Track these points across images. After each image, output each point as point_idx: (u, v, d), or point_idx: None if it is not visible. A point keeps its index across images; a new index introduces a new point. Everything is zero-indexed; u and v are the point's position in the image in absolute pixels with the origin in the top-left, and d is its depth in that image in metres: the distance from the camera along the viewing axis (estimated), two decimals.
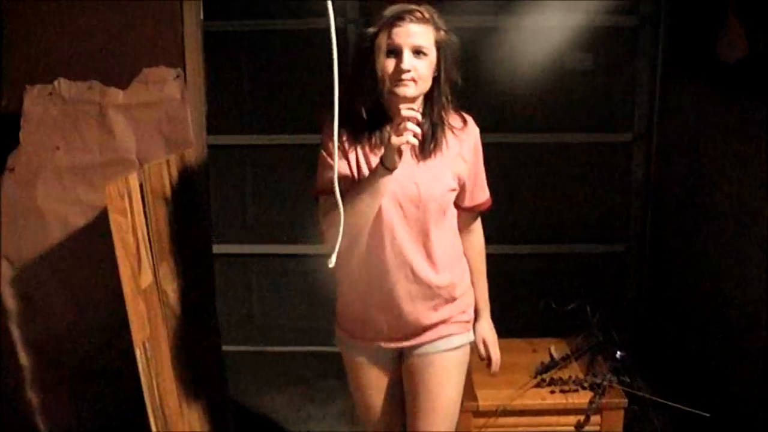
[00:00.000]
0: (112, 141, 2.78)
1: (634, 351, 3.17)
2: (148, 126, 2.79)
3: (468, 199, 2.29)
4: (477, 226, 2.41)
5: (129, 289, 2.30)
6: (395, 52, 2.02)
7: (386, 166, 1.97)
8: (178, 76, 2.79)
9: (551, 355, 2.98)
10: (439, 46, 2.07)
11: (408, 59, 2.01)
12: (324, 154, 2.15)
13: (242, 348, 3.85)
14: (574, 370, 2.88)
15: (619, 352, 2.98)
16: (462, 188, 2.24)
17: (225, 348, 3.14)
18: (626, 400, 2.73)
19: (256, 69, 3.75)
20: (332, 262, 1.90)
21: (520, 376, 2.85)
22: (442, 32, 2.09)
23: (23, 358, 2.90)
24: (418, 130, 1.93)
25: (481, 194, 2.32)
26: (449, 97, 2.14)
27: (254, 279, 3.93)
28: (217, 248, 3.17)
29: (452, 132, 2.18)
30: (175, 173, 2.67)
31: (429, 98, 2.12)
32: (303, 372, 3.84)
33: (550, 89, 3.66)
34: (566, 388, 2.78)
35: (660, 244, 3.75)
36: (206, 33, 2.87)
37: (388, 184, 2.01)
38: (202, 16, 2.82)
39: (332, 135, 1.95)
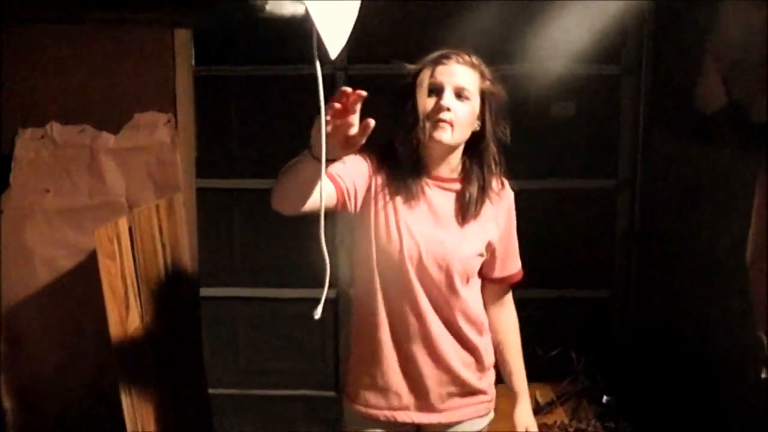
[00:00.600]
0: (101, 184, 2.81)
1: (619, 396, 3.18)
2: (138, 170, 2.83)
3: (498, 269, 2.12)
4: (509, 300, 2.22)
5: (116, 333, 2.31)
6: (436, 91, 1.91)
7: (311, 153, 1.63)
8: (169, 121, 2.83)
9: (536, 401, 2.99)
10: (484, 95, 1.95)
11: (449, 98, 1.90)
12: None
13: (228, 391, 3.82)
14: (560, 416, 2.89)
15: (605, 397, 3.00)
16: (492, 256, 2.09)
17: (211, 391, 3.13)
18: None
19: (245, 113, 3.78)
20: (318, 314, 1.63)
21: (506, 423, 2.85)
22: (488, 82, 1.96)
23: (6, 401, 2.89)
24: (353, 123, 1.55)
25: (513, 264, 2.15)
26: (497, 159, 2.00)
27: (240, 322, 3.92)
28: (203, 291, 3.18)
29: (494, 194, 2.04)
30: (164, 217, 2.70)
31: (474, 156, 1.99)
32: (290, 415, 3.82)
33: (533, 136, 3.71)
34: None
35: (644, 291, 3.77)
36: (196, 78, 2.91)
37: (316, 175, 1.61)
38: (193, 62, 2.87)
39: (364, 155, 1.91)
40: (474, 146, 1.98)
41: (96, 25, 2.77)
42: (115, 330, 2.30)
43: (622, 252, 3.85)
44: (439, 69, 1.92)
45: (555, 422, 2.81)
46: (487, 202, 2.02)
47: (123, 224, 2.41)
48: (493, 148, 1.98)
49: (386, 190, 1.96)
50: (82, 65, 2.82)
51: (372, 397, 2.06)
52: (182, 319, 2.79)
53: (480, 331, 2.10)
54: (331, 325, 3.84)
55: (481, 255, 2.05)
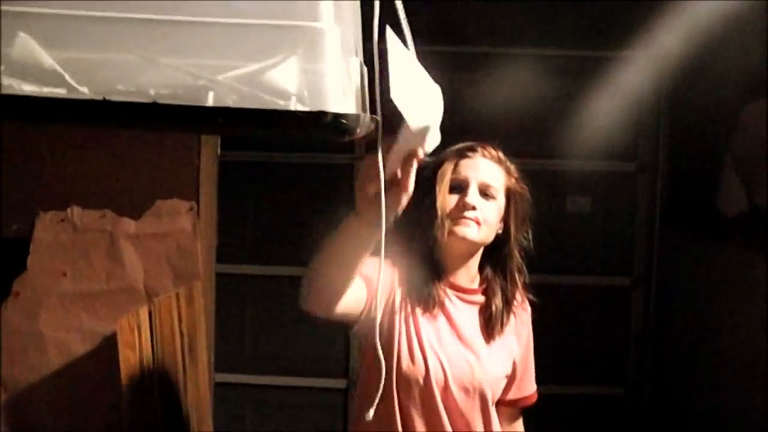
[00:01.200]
0: (120, 270, 2.78)
1: None
2: (158, 257, 2.80)
3: (515, 390, 1.89)
4: (520, 424, 1.98)
5: (133, 425, 2.26)
6: (460, 188, 1.74)
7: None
8: (191, 209, 2.82)
9: None
10: (510, 194, 1.78)
11: (473, 195, 1.72)
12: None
13: None
14: None
15: None
16: (511, 376, 1.86)
17: None
18: None
19: (264, 199, 3.80)
20: (370, 416, 1.41)
21: None
22: (514, 180, 1.80)
23: None
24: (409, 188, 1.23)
25: (529, 385, 1.92)
26: (521, 267, 1.83)
27: (249, 409, 3.86)
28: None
29: (514, 309, 1.85)
30: (183, 306, 2.67)
31: (496, 264, 1.82)
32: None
33: (548, 232, 3.72)
34: None
35: (659, 390, 3.73)
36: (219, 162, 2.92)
37: (369, 238, 1.34)
38: (219, 151, 2.89)
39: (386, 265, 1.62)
40: (495, 252, 1.80)
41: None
42: (131, 420, 2.25)
43: (637, 349, 3.83)
44: (464, 162, 1.75)
45: None
46: (511, 316, 1.83)
47: (144, 314, 2.38)
48: (516, 255, 1.81)
49: (407, 301, 1.74)
50: (104, 149, 2.82)
51: None
52: (196, 411, 2.74)
53: None
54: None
55: (508, 376, 1.84)
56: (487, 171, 1.75)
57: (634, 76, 3.48)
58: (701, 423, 3.22)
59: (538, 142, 3.66)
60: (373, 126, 1.03)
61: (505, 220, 1.78)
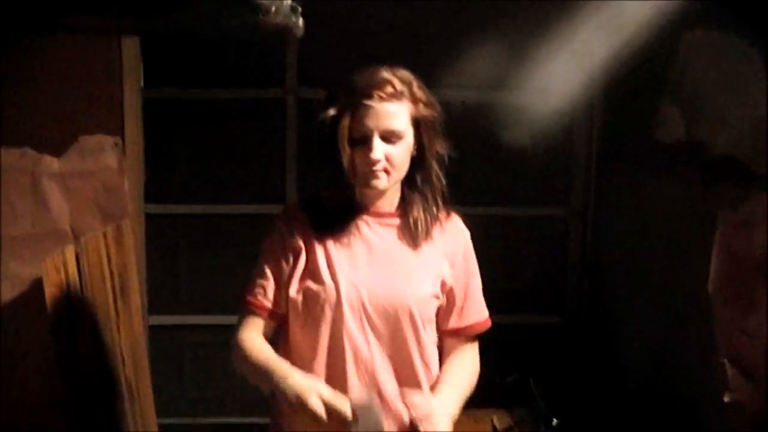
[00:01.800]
0: (45, 212, 2.68)
1: (574, 423, 3.16)
2: (84, 196, 2.70)
3: (455, 319, 1.84)
4: (471, 353, 1.90)
5: (63, 364, 2.19)
6: (362, 140, 1.67)
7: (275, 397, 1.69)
8: (116, 145, 2.72)
9: (494, 427, 2.95)
10: (418, 122, 1.71)
11: (378, 147, 1.66)
12: (264, 255, 1.79)
13: (175, 421, 3.69)
14: None
15: (554, 420, 2.96)
16: (449, 301, 1.82)
17: (158, 421, 3.01)
18: None
19: (194, 137, 3.68)
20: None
21: None
22: (421, 105, 1.71)
23: None
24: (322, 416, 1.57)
25: (474, 312, 1.86)
26: (440, 179, 1.79)
27: (186, 350, 3.80)
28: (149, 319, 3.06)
29: (440, 226, 1.81)
30: (112, 246, 2.58)
31: (413, 183, 1.79)
32: None
33: (486, 163, 3.70)
34: None
35: (595, 319, 3.78)
36: (145, 100, 2.81)
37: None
38: (142, 83, 2.77)
39: (282, 233, 1.74)
40: (412, 171, 1.77)
41: (35, 36, 2.59)
42: (62, 361, 2.18)
43: (574, 279, 3.86)
44: (361, 113, 1.65)
45: None
46: (437, 234, 1.80)
47: (70, 253, 2.30)
48: (433, 168, 1.77)
49: (315, 240, 1.74)
50: (21, 82, 2.67)
51: None
52: (129, 350, 2.67)
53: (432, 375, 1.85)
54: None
55: (436, 297, 1.79)
56: (386, 117, 1.67)
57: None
58: (637, 352, 3.28)
59: (472, 74, 3.61)
60: (292, 17, 0.99)
61: (418, 144, 1.74)
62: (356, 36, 3.58)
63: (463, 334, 1.86)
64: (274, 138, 3.67)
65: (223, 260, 3.72)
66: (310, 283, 1.72)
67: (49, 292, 2.15)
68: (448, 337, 1.86)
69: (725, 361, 2.41)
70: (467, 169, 3.66)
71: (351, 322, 1.71)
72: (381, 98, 1.65)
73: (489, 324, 1.91)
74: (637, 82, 3.28)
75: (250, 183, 3.70)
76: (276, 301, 1.77)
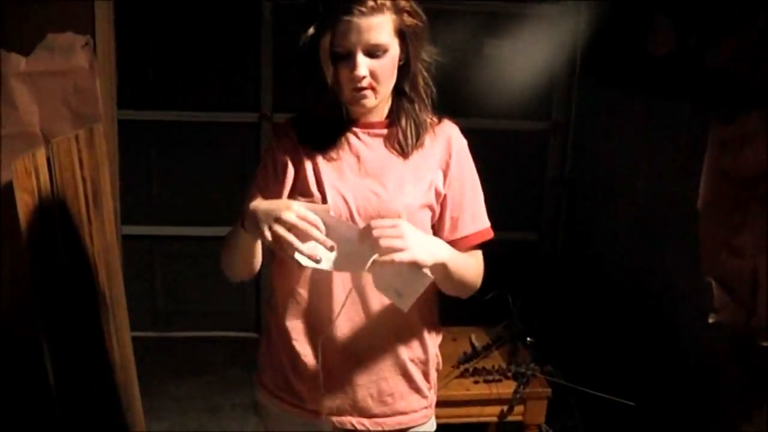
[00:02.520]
0: (13, 113, 2.53)
1: (548, 338, 3.18)
2: (54, 97, 2.56)
3: (449, 229, 1.73)
4: (470, 255, 1.74)
5: (35, 272, 2.11)
6: (345, 56, 1.58)
7: (243, 225, 1.57)
8: (87, 44, 2.57)
9: (472, 345, 2.94)
10: (403, 33, 1.62)
11: (362, 64, 1.57)
12: (256, 175, 1.74)
13: (146, 334, 3.65)
14: (497, 360, 2.85)
15: (528, 338, 2.97)
16: (443, 211, 1.73)
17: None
18: (550, 390, 2.72)
19: (165, 41, 3.53)
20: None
21: (443, 367, 2.78)
22: (405, 15, 1.61)
23: None
24: (301, 248, 1.47)
25: (472, 222, 1.74)
26: (428, 82, 1.69)
27: (158, 262, 3.73)
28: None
29: (432, 133, 1.72)
30: (84, 150, 2.47)
31: (401, 92, 1.70)
32: (210, 359, 3.68)
33: (465, 74, 3.62)
34: (490, 378, 2.74)
35: (571, 235, 3.77)
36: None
37: (252, 243, 1.62)
38: None
39: (272, 151, 1.68)
40: (401, 80, 1.67)
41: None
42: (36, 269, 2.10)
43: (552, 195, 3.84)
44: (342, 29, 1.55)
45: (493, 366, 2.76)
46: (428, 142, 1.70)
47: (41, 156, 2.18)
48: (421, 77, 1.68)
49: (304, 156, 1.68)
50: None
51: (284, 389, 1.77)
52: (103, 260, 2.59)
53: (431, 313, 1.80)
54: None
55: (429, 207, 1.70)
56: (369, 31, 1.56)
57: None
58: (616, 269, 3.28)
59: None
60: None
61: (405, 53, 1.64)
62: None
63: (461, 246, 1.72)
64: (249, 44, 3.54)
65: (195, 170, 3.64)
66: (299, 198, 1.65)
67: (21, 198, 2.05)
68: None
69: (711, 280, 2.40)
70: (448, 80, 3.57)
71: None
72: (362, 12, 1.55)
73: (490, 234, 1.77)
74: None
75: (223, 91, 3.60)
76: None
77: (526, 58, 3.66)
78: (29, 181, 2.10)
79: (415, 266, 1.53)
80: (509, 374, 2.75)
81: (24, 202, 2.07)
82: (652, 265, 2.97)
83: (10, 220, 2.09)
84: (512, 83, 3.70)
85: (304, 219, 1.48)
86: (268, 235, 1.48)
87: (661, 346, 2.86)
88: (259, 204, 1.53)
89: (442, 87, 1.70)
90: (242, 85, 3.59)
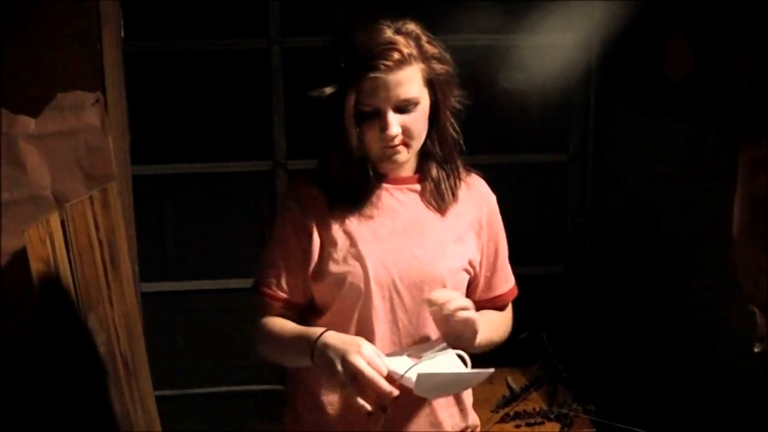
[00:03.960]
0: (23, 176, 2.44)
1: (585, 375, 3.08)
2: (65, 158, 2.48)
3: (483, 289, 1.69)
4: (501, 313, 1.75)
5: (54, 349, 2.01)
6: (374, 114, 1.49)
7: (313, 359, 1.44)
8: (97, 101, 2.50)
9: (510, 387, 2.84)
10: (432, 83, 1.53)
11: (393, 122, 1.48)
12: (274, 240, 1.62)
13: (167, 393, 3.53)
14: (537, 402, 2.75)
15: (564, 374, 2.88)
16: (475, 272, 1.66)
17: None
18: (594, 430, 2.62)
19: (173, 92, 3.47)
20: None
21: (481, 411, 2.67)
22: (434, 62, 1.53)
23: None
24: (385, 386, 1.35)
25: (503, 281, 1.72)
26: (457, 130, 1.62)
27: (176, 318, 3.63)
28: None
29: (466, 188, 1.66)
30: (99, 211, 2.38)
31: (431, 142, 1.61)
32: (235, 413, 3.57)
33: (482, 110, 3.54)
34: (532, 420, 2.64)
35: (597, 267, 3.68)
36: (126, 54, 2.59)
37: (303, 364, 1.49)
38: (122, 34, 2.55)
39: (292, 213, 1.57)
40: (429, 130, 1.59)
41: None
42: (52, 344, 2.00)
43: (575, 227, 3.75)
44: (367, 89, 1.46)
45: (534, 409, 2.66)
46: (463, 198, 1.64)
47: (55, 222, 2.10)
48: (449, 126, 1.61)
49: (332, 218, 1.57)
50: None
51: None
52: (123, 324, 2.49)
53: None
54: None
55: (467, 270, 1.64)
56: (397, 87, 1.47)
57: None
58: (643, 299, 3.19)
59: (469, 18, 3.44)
60: None
61: (433, 104, 1.56)
62: None
63: (495, 303, 1.72)
64: (259, 90, 3.48)
65: (211, 221, 3.56)
66: (333, 266, 1.55)
67: (35, 267, 1.96)
68: (479, 309, 1.65)
69: (754, 308, 2.30)
70: (463, 116, 3.51)
71: (379, 305, 1.55)
72: (389, 68, 1.45)
73: (516, 292, 1.77)
74: (636, 20, 3.14)
75: (236, 140, 3.53)
76: (291, 289, 1.59)
77: (542, 90, 3.58)
78: (44, 248, 2.02)
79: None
80: (552, 416, 2.65)
81: (38, 272, 1.98)
82: (685, 295, 2.87)
83: (21, 290, 2.00)
84: (528, 116, 3.63)
85: (371, 364, 1.36)
86: (346, 373, 1.35)
87: (702, 377, 2.75)
88: (328, 340, 1.41)
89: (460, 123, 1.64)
90: (254, 133, 3.52)
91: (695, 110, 2.74)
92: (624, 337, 3.40)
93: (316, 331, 1.46)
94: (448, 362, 1.47)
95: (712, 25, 2.62)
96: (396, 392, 1.36)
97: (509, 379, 2.88)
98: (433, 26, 3.37)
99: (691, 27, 2.75)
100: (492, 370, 1.43)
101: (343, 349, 1.37)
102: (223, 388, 3.66)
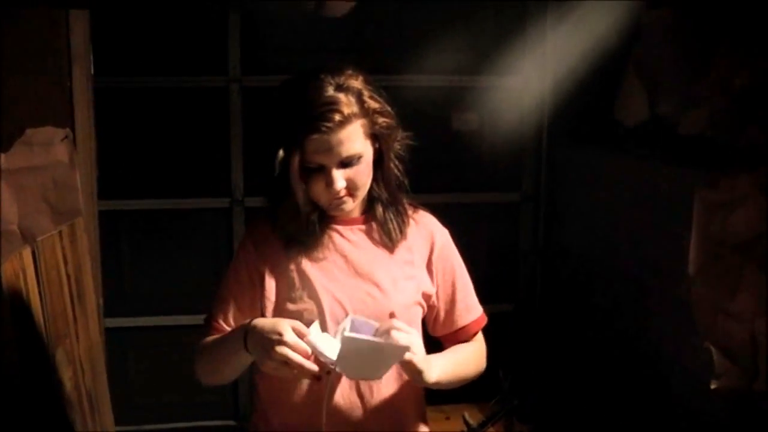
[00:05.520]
0: None
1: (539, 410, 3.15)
2: (32, 193, 2.47)
3: (444, 323, 1.73)
4: (469, 345, 1.78)
5: (28, 384, 2.01)
6: (318, 169, 1.53)
7: (247, 348, 1.50)
8: (66, 137, 2.51)
9: (467, 423, 2.88)
10: (375, 136, 1.57)
11: (338, 178, 1.52)
12: (228, 276, 1.68)
13: (124, 429, 3.49)
14: None
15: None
16: (432, 307, 1.71)
17: None
18: None
19: (142, 128, 3.48)
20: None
21: None
22: (376, 116, 1.55)
23: None
24: (312, 367, 1.43)
25: (464, 314, 1.74)
26: (400, 171, 1.65)
27: (132, 353, 3.60)
28: None
29: (414, 224, 1.70)
30: (68, 246, 2.39)
31: (376, 183, 1.65)
32: None
33: (435, 149, 3.63)
34: None
35: (548, 305, 3.77)
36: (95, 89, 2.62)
37: (250, 359, 1.54)
38: (92, 71, 2.57)
39: (248, 254, 1.63)
40: (374, 174, 1.63)
41: None
42: (26, 378, 2.00)
43: (526, 266, 3.84)
44: (311, 149, 1.50)
45: None
46: (409, 231, 1.67)
47: (27, 256, 2.10)
48: (393, 168, 1.64)
49: (286, 257, 1.62)
50: None
51: None
52: (88, 358, 2.49)
53: (418, 403, 1.76)
54: None
55: (420, 304, 1.67)
56: (339, 145, 1.50)
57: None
58: (596, 336, 3.28)
59: (421, 60, 3.54)
60: None
61: (377, 152, 1.60)
62: (301, 22, 3.46)
63: (460, 337, 1.75)
64: (218, 128, 3.52)
65: (167, 258, 3.55)
66: (289, 305, 1.60)
67: (10, 300, 1.96)
68: (445, 343, 1.75)
69: (710, 346, 2.40)
70: (416, 156, 3.59)
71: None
72: (329, 129, 1.48)
73: (485, 320, 1.80)
74: (589, 63, 3.27)
75: (194, 177, 3.55)
76: (237, 324, 1.62)
77: (494, 130, 3.70)
78: (17, 282, 2.02)
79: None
80: None
81: (12, 304, 1.98)
82: (638, 332, 2.96)
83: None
84: (481, 156, 3.74)
85: (295, 348, 1.42)
86: (274, 361, 1.42)
87: (657, 413, 2.84)
88: (258, 324, 1.48)
89: (410, 162, 1.70)
90: (212, 170, 3.55)
91: (647, 152, 2.86)
92: (579, 373, 3.49)
93: (245, 324, 1.52)
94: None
95: (667, 70, 2.74)
96: (318, 372, 1.44)
97: (466, 414, 2.92)
98: (386, 66, 3.47)
99: (646, 72, 2.87)
100: (408, 347, 1.46)
101: (269, 338, 1.43)
102: (180, 424, 3.63)
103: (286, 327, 1.44)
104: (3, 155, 2.45)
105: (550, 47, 3.58)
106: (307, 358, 1.43)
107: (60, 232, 2.35)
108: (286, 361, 1.41)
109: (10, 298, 1.98)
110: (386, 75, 3.44)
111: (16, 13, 2.41)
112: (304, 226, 1.59)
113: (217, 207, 3.58)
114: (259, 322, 1.48)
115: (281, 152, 1.52)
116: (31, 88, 2.46)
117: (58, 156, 2.48)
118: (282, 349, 1.41)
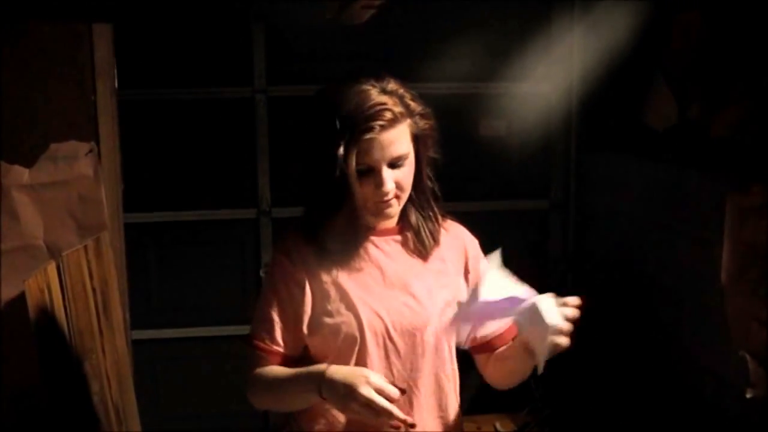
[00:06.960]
0: (16, 226, 2.45)
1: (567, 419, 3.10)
2: (58, 208, 2.49)
3: (480, 332, 1.69)
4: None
5: (53, 397, 2.00)
6: (368, 171, 1.54)
7: (321, 394, 1.48)
8: (91, 151, 2.52)
9: None
10: (417, 138, 1.60)
11: (389, 179, 1.54)
12: (266, 294, 1.65)
13: None
14: None
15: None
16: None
17: None
18: None
19: (168, 139, 3.49)
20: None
21: None
22: (418, 118, 1.59)
23: None
24: (400, 415, 1.42)
25: (495, 324, 1.69)
26: (432, 179, 1.67)
27: (160, 365, 3.61)
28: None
29: (445, 230, 1.71)
30: (93, 260, 2.39)
31: (413, 192, 1.65)
32: None
33: (463, 158, 3.60)
34: None
35: (580, 312, 3.71)
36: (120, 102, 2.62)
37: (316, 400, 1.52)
38: (116, 85, 2.58)
39: (284, 268, 1.60)
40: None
41: None
42: (51, 391, 2.00)
43: (556, 274, 3.79)
44: (364, 146, 1.52)
45: None
46: (445, 243, 1.69)
47: (52, 271, 2.11)
48: (426, 176, 1.67)
49: (322, 270, 1.61)
50: None
51: None
52: (115, 372, 2.49)
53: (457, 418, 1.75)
54: None
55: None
56: (390, 145, 1.53)
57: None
58: (624, 345, 3.22)
59: (450, 67, 3.51)
60: None
61: (415, 156, 1.61)
62: (324, 31, 3.44)
63: (496, 344, 1.72)
64: (244, 139, 3.52)
65: (195, 269, 3.56)
66: (327, 318, 1.59)
67: (34, 316, 1.96)
68: (477, 354, 1.74)
69: (744, 354, 2.34)
70: (444, 164, 3.56)
71: (374, 351, 1.59)
72: (382, 127, 1.51)
73: (515, 331, 1.74)
74: (616, 68, 3.23)
75: (221, 188, 3.55)
76: (285, 343, 1.62)
77: (523, 137, 3.65)
78: (42, 297, 2.02)
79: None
80: None
81: (38, 320, 1.98)
82: (670, 340, 2.91)
83: (16, 337, 2.00)
84: (510, 163, 3.69)
85: (381, 392, 1.41)
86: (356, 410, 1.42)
87: (690, 422, 2.78)
88: (335, 374, 1.47)
89: (438, 171, 1.68)
90: (239, 181, 3.55)
91: (678, 157, 2.81)
92: (612, 383, 3.43)
93: (320, 367, 1.50)
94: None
95: (697, 73, 2.69)
96: (411, 420, 1.43)
97: (497, 424, 2.90)
98: (414, 74, 3.45)
99: (674, 75, 2.82)
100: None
101: (352, 381, 1.42)
102: None
103: (370, 371, 1.47)
104: (28, 170, 2.48)
105: (577, 53, 3.54)
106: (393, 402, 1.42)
107: (85, 247, 2.36)
108: (371, 405, 1.40)
109: (36, 312, 1.98)
110: (412, 83, 3.41)
111: (39, 28, 2.43)
112: (343, 231, 1.60)
113: (244, 218, 3.57)
114: (338, 371, 1.47)
115: (327, 158, 1.52)
116: (56, 102, 2.48)
117: (83, 170, 2.50)
118: (368, 391, 1.40)
